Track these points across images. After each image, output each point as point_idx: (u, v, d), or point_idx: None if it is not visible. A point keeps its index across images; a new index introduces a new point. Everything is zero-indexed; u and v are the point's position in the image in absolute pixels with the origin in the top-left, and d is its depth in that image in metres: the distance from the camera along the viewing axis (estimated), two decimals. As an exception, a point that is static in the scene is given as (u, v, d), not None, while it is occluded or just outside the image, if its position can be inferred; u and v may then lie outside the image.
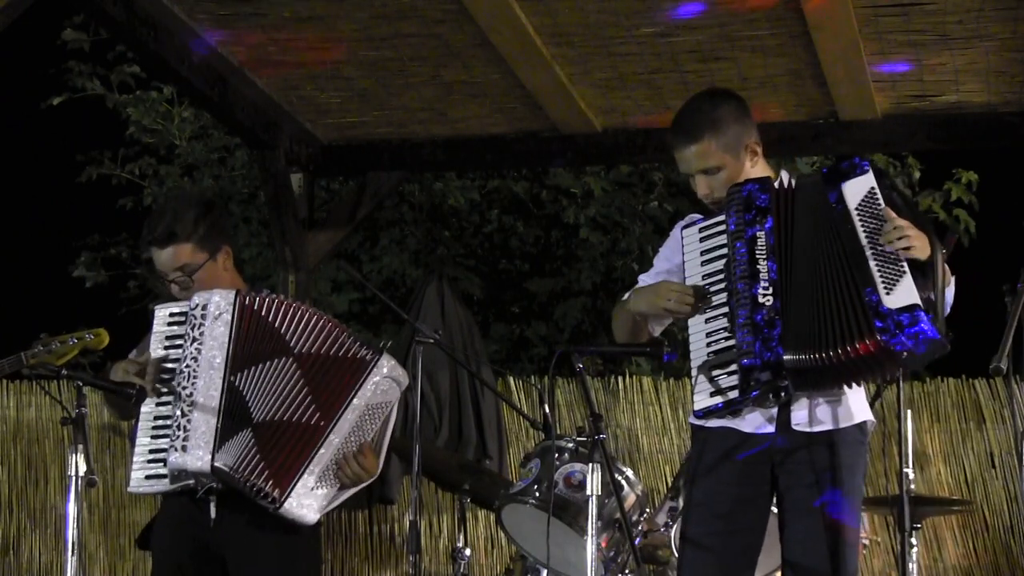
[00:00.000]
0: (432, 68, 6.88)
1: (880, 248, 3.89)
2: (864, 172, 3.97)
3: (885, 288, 3.86)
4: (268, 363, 4.34)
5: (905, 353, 3.87)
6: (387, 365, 4.39)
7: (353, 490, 4.42)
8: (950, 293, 4.05)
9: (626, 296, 4.31)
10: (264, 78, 7.02)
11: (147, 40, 6.25)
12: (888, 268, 3.87)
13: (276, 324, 4.37)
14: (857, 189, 3.97)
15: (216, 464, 4.27)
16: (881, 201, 3.93)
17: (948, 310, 4.06)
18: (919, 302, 3.83)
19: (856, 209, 3.95)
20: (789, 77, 6.89)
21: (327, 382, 4.35)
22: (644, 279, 4.33)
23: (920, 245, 3.87)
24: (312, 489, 4.31)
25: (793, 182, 4.09)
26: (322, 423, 4.31)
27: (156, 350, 4.43)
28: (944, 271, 3.94)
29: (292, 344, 4.36)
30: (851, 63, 6.59)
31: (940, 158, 11.01)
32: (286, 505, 4.27)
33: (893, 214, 3.90)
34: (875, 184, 3.95)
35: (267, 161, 7.64)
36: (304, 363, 4.35)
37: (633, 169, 11.04)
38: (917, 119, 7.34)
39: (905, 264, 3.87)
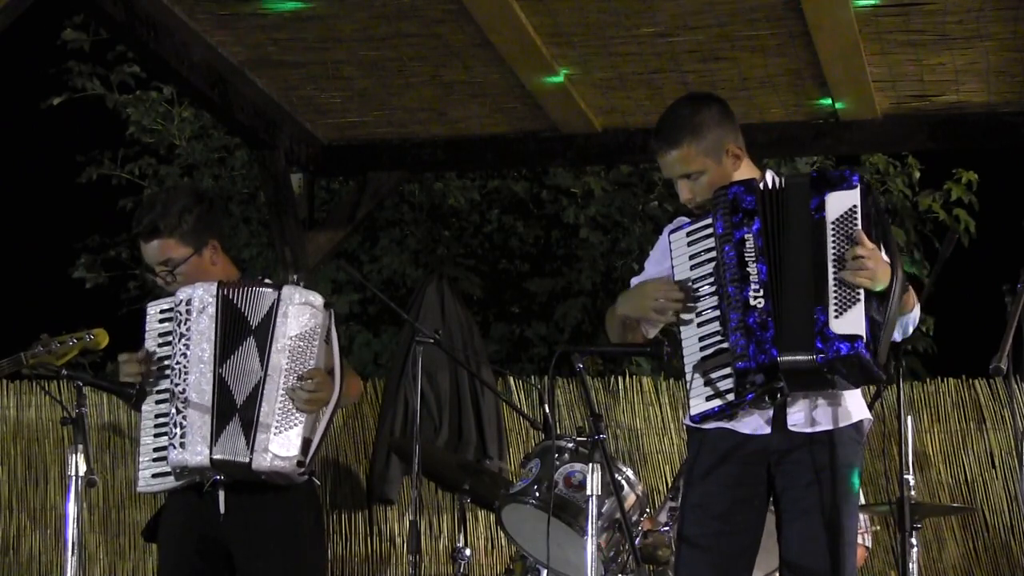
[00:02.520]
0: (432, 68, 6.88)
1: (842, 271, 3.90)
2: (851, 187, 3.93)
3: (836, 311, 3.87)
4: (240, 348, 4.41)
5: (836, 377, 3.92)
6: (294, 294, 4.42)
7: (325, 419, 4.41)
8: (912, 319, 4.09)
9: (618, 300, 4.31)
10: (264, 78, 7.03)
11: (147, 40, 6.26)
12: (844, 291, 3.87)
13: (243, 310, 4.43)
14: (839, 203, 3.93)
15: (215, 457, 4.31)
16: (859, 222, 3.90)
17: (908, 334, 4.13)
18: (863, 334, 3.84)
19: (832, 223, 3.92)
20: (789, 77, 6.90)
21: (261, 339, 4.40)
22: (636, 282, 4.33)
23: (876, 278, 3.86)
24: (275, 435, 4.33)
25: (780, 182, 4.08)
26: (260, 375, 4.38)
27: (150, 348, 4.49)
28: (906, 300, 3.96)
29: (251, 323, 4.42)
30: (851, 63, 6.60)
31: (940, 158, 11.01)
32: (255, 465, 4.31)
33: (864, 239, 3.88)
34: (858, 203, 3.92)
35: (267, 161, 7.65)
36: (256, 335, 4.41)
37: (633, 169, 11.03)
38: (917, 119, 7.34)
39: (861, 292, 3.87)
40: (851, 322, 3.85)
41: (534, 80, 6.87)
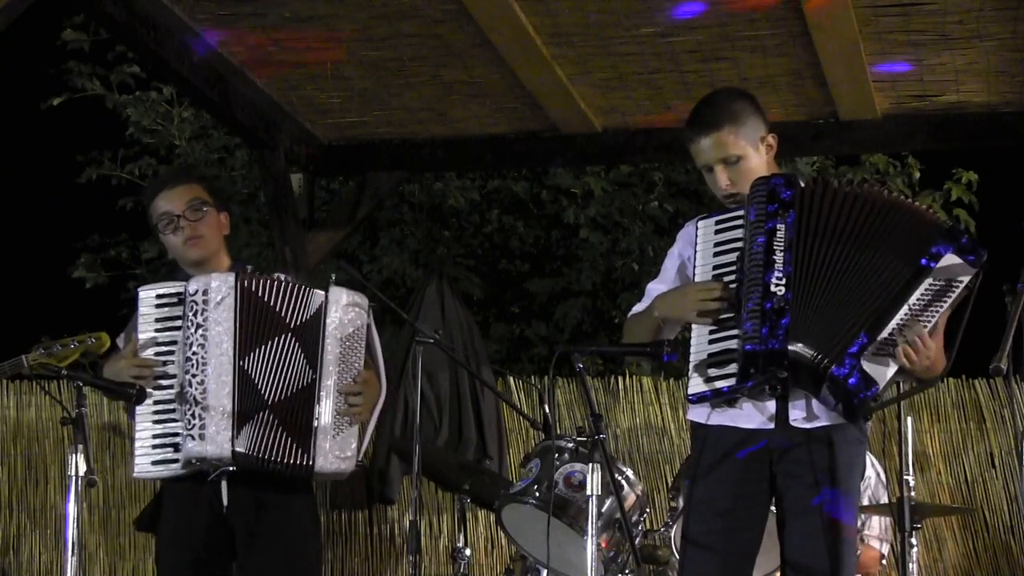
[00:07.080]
0: (432, 68, 6.88)
1: (909, 321, 3.89)
2: (974, 266, 3.90)
3: (877, 349, 3.90)
4: (271, 342, 4.42)
5: (826, 390, 3.94)
6: (341, 295, 4.48)
7: (374, 418, 4.55)
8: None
9: (639, 307, 4.28)
10: (264, 78, 7.03)
11: (147, 40, 6.26)
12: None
13: (272, 303, 4.45)
14: (952, 269, 3.91)
15: (237, 449, 4.32)
16: (952, 296, 3.90)
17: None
18: (880, 385, 3.88)
19: (934, 274, 3.90)
20: (789, 77, 6.90)
21: (310, 340, 4.45)
22: (654, 287, 4.28)
23: (923, 371, 3.89)
24: (334, 438, 4.42)
25: (890, 193, 4.09)
26: (313, 376, 4.43)
27: (146, 333, 4.45)
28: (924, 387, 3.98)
29: (288, 320, 4.45)
30: (851, 63, 6.60)
31: (940, 158, 11.01)
32: (318, 467, 4.40)
33: (940, 332, 3.90)
34: (966, 280, 3.90)
35: (267, 161, 7.65)
36: (299, 335, 4.44)
37: (633, 169, 11.04)
38: (917, 119, 7.34)
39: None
40: (879, 370, 3.88)
41: (534, 80, 6.87)
